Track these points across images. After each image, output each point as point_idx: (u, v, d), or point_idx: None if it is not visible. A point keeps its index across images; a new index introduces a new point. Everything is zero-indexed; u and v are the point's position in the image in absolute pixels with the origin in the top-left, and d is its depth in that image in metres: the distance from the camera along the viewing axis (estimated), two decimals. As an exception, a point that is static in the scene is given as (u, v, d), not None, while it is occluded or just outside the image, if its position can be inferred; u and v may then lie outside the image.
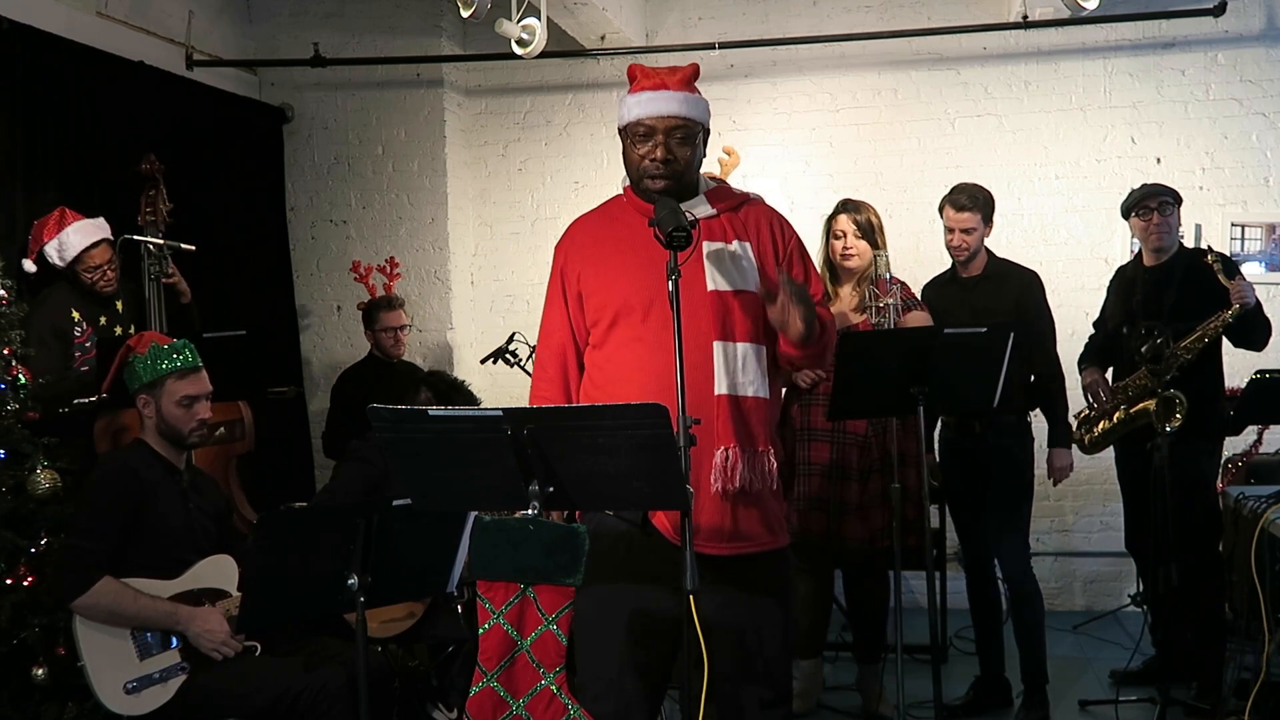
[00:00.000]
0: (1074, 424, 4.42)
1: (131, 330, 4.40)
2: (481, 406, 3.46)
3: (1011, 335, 3.27)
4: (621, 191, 2.86)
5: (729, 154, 5.03)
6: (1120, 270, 4.57)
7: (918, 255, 5.52)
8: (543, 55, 5.17)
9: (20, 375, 3.65)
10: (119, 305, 4.47)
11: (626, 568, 2.66)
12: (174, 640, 3.19)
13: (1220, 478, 4.67)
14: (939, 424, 4.42)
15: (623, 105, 2.73)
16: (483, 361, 5.62)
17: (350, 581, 2.55)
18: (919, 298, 4.22)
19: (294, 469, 6.08)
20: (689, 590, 2.26)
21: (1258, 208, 5.72)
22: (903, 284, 4.09)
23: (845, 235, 4.08)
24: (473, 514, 2.47)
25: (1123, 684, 4.38)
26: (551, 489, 2.25)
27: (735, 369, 2.66)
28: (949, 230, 4.20)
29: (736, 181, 4.38)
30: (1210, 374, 4.22)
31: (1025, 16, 5.49)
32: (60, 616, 3.31)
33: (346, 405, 5.35)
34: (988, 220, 4.21)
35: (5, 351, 3.62)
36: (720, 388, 2.64)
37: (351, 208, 6.38)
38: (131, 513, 3.21)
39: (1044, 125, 5.88)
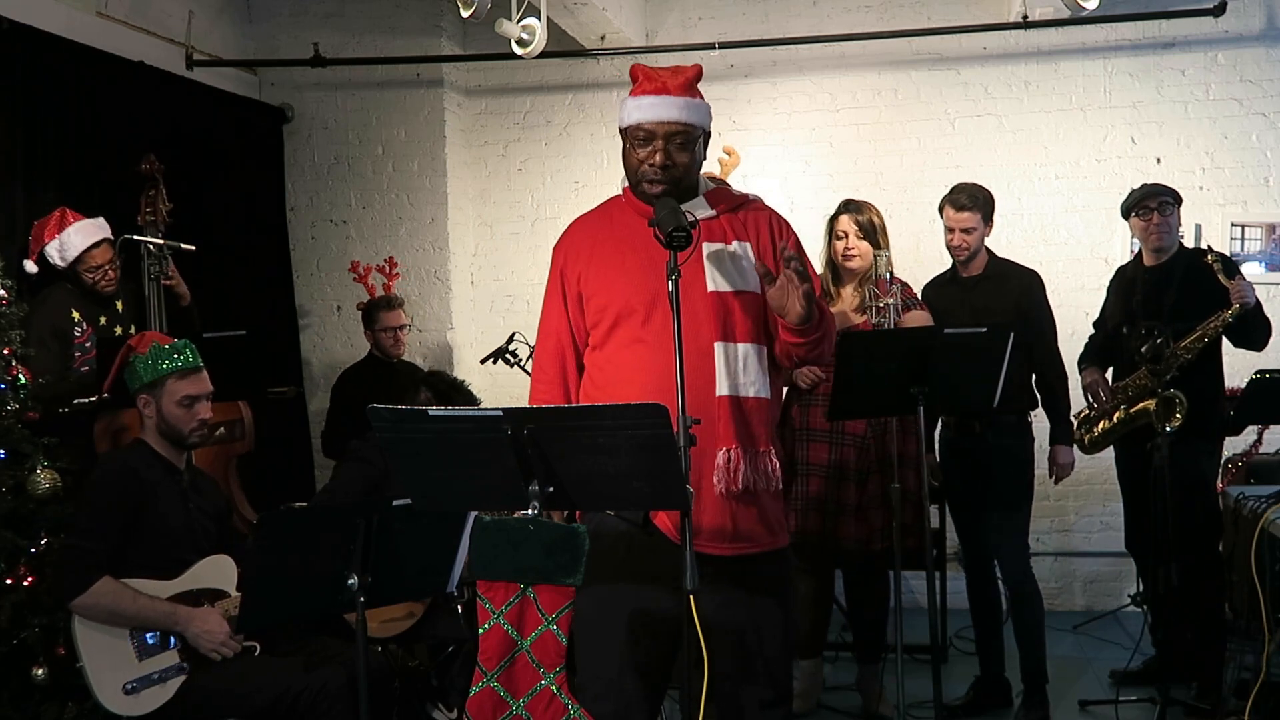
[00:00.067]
0: (1074, 424, 4.42)
1: (131, 330, 4.40)
2: (481, 406, 3.46)
3: (1011, 335, 3.27)
4: (620, 192, 2.86)
5: (729, 154, 5.03)
6: (1120, 270, 4.57)
7: (918, 255, 5.52)
8: (543, 55, 5.17)
9: (20, 375, 3.65)
10: (119, 305, 4.47)
11: (626, 568, 2.66)
12: (173, 640, 3.19)
13: (1220, 478, 4.67)
14: (939, 424, 4.42)
15: (624, 107, 2.72)
16: (483, 361, 5.62)
17: (350, 581, 2.55)
18: (919, 298, 4.22)
19: (294, 469, 6.08)
20: (689, 590, 2.26)
21: (1258, 208, 5.72)
22: (904, 284, 4.10)
23: (847, 235, 4.08)
24: (473, 514, 2.47)
25: (1123, 684, 4.38)
26: (551, 489, 2.25)
27: (736, 370, 2.66)
28: (949, 230, 4.21)
29: (736, 181, 4.39)
30: (1210, 374, 4.22)
31: (1025, 16, 5.49)
32: (60, 616, 3.31)
33: (346, 405, 5.35)
34: (988, 220, 4.21)
35: (5, 351, 3.62)
36: (722, 388, 2.64)
37: (351, 208, 6.38)
38: (131, 513, 3.21)
39: (1044, 125, 5.88)
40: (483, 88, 6.47)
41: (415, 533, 2.68)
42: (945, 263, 4.42)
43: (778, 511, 2.77)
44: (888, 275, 3.91)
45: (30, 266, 4.26)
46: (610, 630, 2.70)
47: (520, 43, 5.01)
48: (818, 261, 3.96)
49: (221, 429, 4.44)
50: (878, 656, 4.38)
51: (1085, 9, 4.76)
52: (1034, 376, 4.23)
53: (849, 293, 4.13)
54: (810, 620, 4.30)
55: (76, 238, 4.25)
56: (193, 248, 4.65)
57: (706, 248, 2.69)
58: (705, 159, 2.83)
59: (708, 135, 2.77)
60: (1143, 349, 4.13)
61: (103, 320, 4.37)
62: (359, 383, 5.39)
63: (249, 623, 2.98)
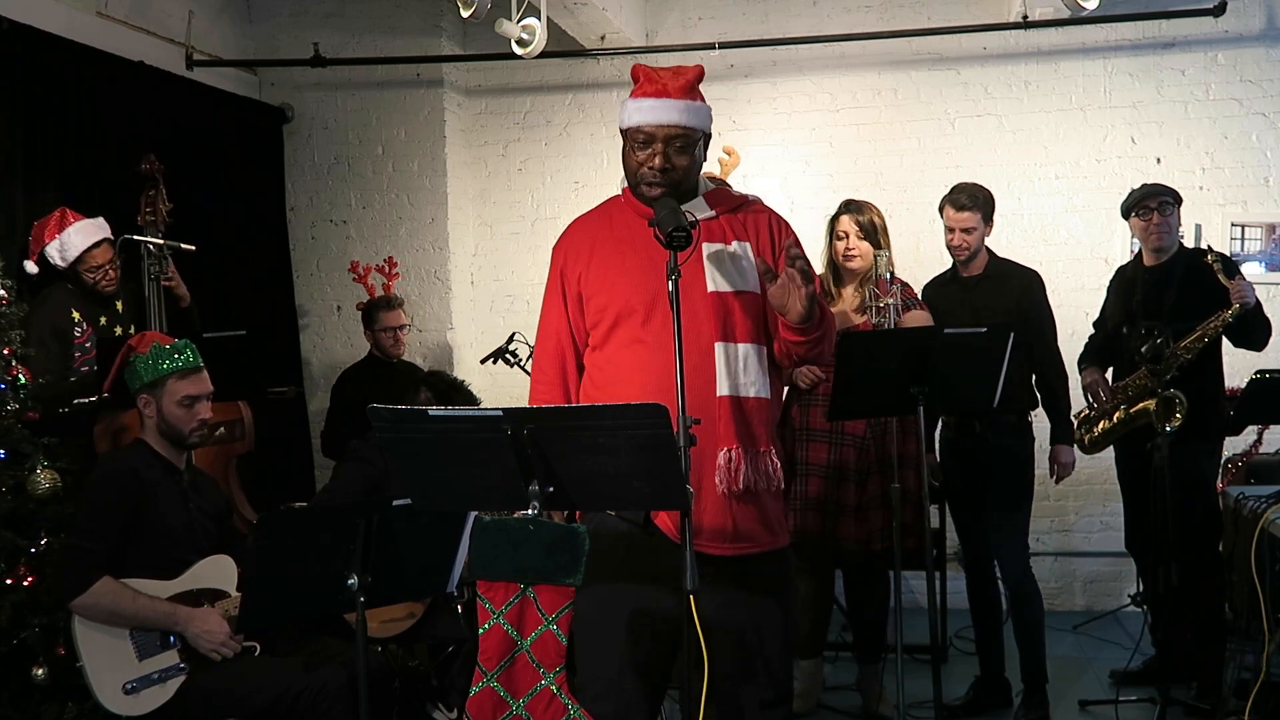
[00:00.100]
0: (1074, 424, 4.42)
1: (131, 330, 4.40)
2: (481, 406, 3.46)
3: (1011, 335, 3.27)
4: (620, 192, 2.85)
5: (729, 154, 5.03)
6: (1120, 270, 4.57)
7: (918, 255, 5.52)
8: (543, 55, 5.17)
9: (20, 375, 3.65)
10: (119, 305, 4.47)
11: (626, 568, 2.66)
12: (173, 640, 3.19)
13: (1220, 478, 4.67)
14: (939, 424, 4.42)
15: (624, 108, 2.72)
16: (483, 361, 5.62)
17: (350, 581, 2.55)
18: (919, 297, 4.22)
19: (294, 469, 6.08)
20: (689, 590, 2.26)
21: (1258, 208, 5.72)
22: (904, 284, 4.10)
23: (848, 236, 4.08)
24: (473, 514, 2.47)
25: (1123, 684, 4.38)
26: (551, 489, 2.25)
27: (737, 370, 2.66)
28: (949, 230, 4.20)
29: (736, 181, 4.40)
30: (1210, 374, 4.22)
31: (1025, 16, 5.49)
32: (60, 616, 3.31)
33: (346, 405, 5.35)
34: (988, 220, 4.21)
35: (5, 351, 3.62)
36: (722, 389, 2.64)
37: (351, 208, 6.38)
38: (131, 513, 3.21)
39: (1044, 125, 5.88)
40: (483, 88, 6.47)
41: (415, 533, 2.68)
42: (945, 263, 4.41)
43: (778, 511, 2.77)
44: (888, 275, 3.91)
45: (30, 266, 4.26)
46: (610, 630, 2.70)
47: (520, 43, 5.01)
48: (818, 262, 3.95)
49: (221, 429, 4.44)
50: (878, 656, 4.38)
51: (1085, 9, 4.76)
52: (1034, 376, 4.23)
53: (849, 293, 4.13)
54: (810, 620, 4.30)
55: (77, 238, 4.25)
56: (193, 248, 4.65)
57: (706, 248, 2.69)
58: (705, 160, 2.82)
59: (708, 137, 2.77)
60: (1143, 349, 4.13)
61: (103, 320, 4.38)
62: (359, 383, 5.39)
63: (249, 623, 2.98)
